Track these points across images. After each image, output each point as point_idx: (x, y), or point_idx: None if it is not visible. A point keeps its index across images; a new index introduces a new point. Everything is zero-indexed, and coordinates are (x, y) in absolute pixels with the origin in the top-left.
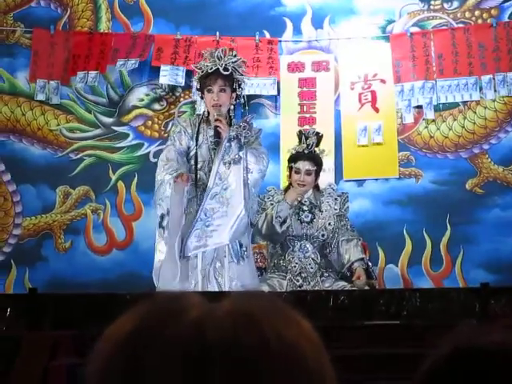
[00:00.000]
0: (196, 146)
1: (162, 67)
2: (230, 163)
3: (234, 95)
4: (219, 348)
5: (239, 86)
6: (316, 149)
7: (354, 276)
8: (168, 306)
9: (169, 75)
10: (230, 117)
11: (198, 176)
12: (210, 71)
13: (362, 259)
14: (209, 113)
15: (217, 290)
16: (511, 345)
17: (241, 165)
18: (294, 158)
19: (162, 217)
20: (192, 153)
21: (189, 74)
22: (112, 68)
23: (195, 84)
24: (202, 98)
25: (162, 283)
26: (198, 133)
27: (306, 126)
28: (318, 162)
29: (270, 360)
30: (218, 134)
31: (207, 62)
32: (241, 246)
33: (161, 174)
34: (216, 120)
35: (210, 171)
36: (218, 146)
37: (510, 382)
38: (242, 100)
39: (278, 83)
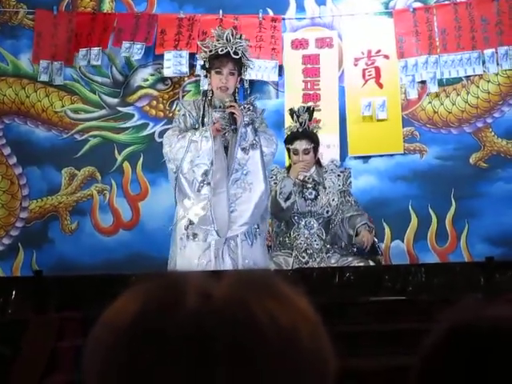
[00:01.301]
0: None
1: (166, 55)
2: (247, 149)
3: (239, 79)
4: (217, 337)
5: (245, 70)
6: (309, 124)
7: (359, 238)
8: (167, 293)
9: (172, 66)
10: (236, 99)
11: None
12: (220, 53)
13: (366, 224)
14: (212, 93)
15: (231, 268)
16: (510, 319)
17: (258, 149)
18: (290, 139)
19: (206, 173)
20: None
21: (192, 56)
22: (117, 49)
23: (200, 62)
24: (206, 76)
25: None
26: (203, 116)
27: (311, 103)
28: (314, 139)
29: (265, 345)
30: (233, 120)
31: (216, 42)
32: (257, 226)
33: (183, 140)
34: (230, 106)
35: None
36: (234, 132)
37: (508, 357)
38: (246, 84)
39: (280, 67)
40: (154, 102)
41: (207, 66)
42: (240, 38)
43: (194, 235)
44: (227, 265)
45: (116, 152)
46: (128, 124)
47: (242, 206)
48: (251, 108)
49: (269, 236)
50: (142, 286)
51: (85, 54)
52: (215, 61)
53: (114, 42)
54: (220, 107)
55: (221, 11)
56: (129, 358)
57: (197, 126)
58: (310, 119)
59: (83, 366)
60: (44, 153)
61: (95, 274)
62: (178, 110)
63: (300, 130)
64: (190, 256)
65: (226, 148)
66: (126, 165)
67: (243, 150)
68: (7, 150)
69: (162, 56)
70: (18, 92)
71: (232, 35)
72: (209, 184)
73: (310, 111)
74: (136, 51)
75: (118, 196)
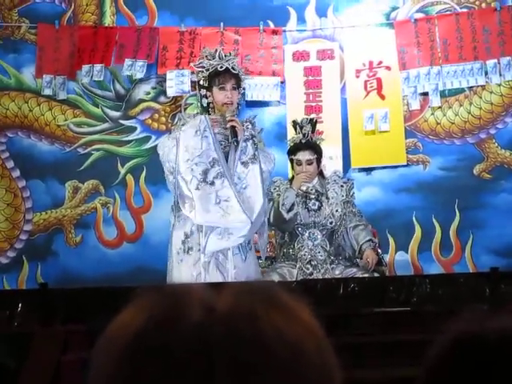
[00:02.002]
0: None
1: (168, 75)
2: (247, 163)
3: (239, 94)
4: (220, 350)
5: (242, 84)
6: (312, 136)
7: (363, 258)
8: (170, 306)
9: (175, 85)
10: (237, 115)
11: None
12: (220, 69)
13: (370, 240)
14: (214, 110)
15: (220, 281)
16: None
17: (257, 164)
18: (293, 150)
19: (205, 172)
20: None
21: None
22: (119, 65)
23: (201, 81)
24: (204, 96)
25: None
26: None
27: (313, 115)
28: (317, 150)
29: (272, 361)
30: (234, 134)
31: (212, 61)
32: (248, 242)
33: (172, 139)
34: (231, 120)
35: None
36: (235, 145)
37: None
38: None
39: (282, 83)
40: (156, 115)
41: (207, 85)
42: (230, 54)
43: (190, 249)
44: (215, 278)
45: (119, 165)
46: (130, 137)
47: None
48: (250, 126)
49: (272, 247)
50: (145, 299)
51: (88, 71)
52: (216, 78)
53: (116, 58)
54: (220, 123)
55: (222, 24)
56: (133, 371)
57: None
58: (313, 131)
59: (88, 380)
60: (47, 166)
61: (100, 287)
62: (177, 121)
63: (303, 141)
64: (186, 270)
65: (225, 160)
66: (129, 178)
67: (243, 163)
68: (10, 164)
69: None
70: (20, 106)
71: (222, 53)
72: (209, 183)
73: (312, 123)
74: (138, 69)
75: (121, 209)
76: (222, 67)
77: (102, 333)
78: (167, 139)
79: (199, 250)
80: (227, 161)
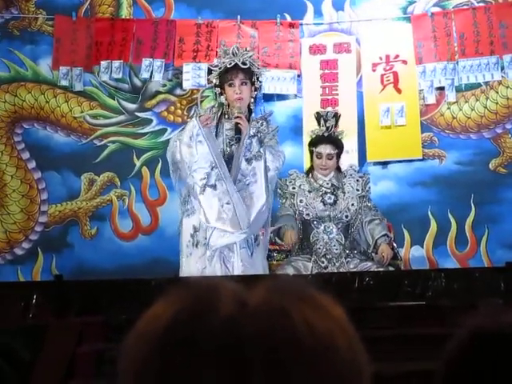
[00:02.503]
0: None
1: (185, 67)
2: (251, 159)
3: (253, 88)
4: (253, 345)
5: (257, 79)
6: (335, 130)
7: (378, 252)
8: (201, 300)
9: (191, 78)
10: (251, 110)
11: None
12: (229, 66)
13: (386, 235)
14: (229, 105)
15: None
16: None
17: (261, 161)
18: (314, 142)
19: (207, 176)
20: None
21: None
22: (137, 66)
23: (213, 80)
24: (221, 94)
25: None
26: (217, 124)
27: (329, 108)
28: (338, 145)
29: (302, 354)
30: (238, 131)
31: (223, 59)
32: (256, 238)
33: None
34: (237, 117)
35: (228, 165)
36: (239, 142)
37: None
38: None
39: (299, 76)
40: (172, 108)
41: (218, 83)
42: (246, 50)
43: (198, 242)
44: (220, 273)
45: (135, 157)
46: (146, 129)
47: None
48: (264, 124)
49: None
50: (175, 293)
51: (106, 67)
52: (226, 74)
53: (134, 57)
54: (230, 119)
55: (239, 17)
56: (163, 364)
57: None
58: (335, 125)
59: (119, 373)
60: (63, 158)
61: (115, 279)
62: (193, 114)
63: (325, 134)
64: (194, 263)
65: (230, 158)
66: (145, 170)
67: (247, 160)
68: (26, 155)
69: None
70: (37, 97)
71: (237, 49)
72: (211, 186)
73: (337, 117)
74: (156, 69)
75: (136, 201)
76: (231, 64)
77: (132, 326)
78: (172, 141)
79: (205, 244)
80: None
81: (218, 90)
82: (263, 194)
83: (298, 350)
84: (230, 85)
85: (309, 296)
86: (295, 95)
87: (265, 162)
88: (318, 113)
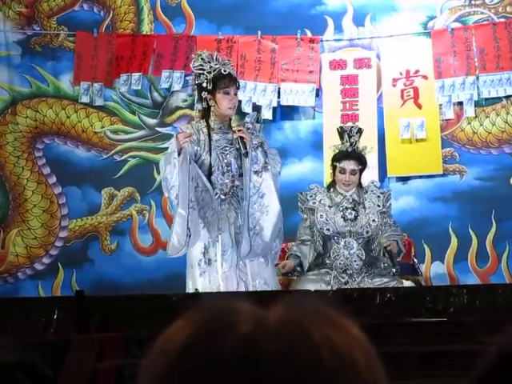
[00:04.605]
0: (210, 152)
1: None
2: (260, 171)
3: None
4: (272, 363)
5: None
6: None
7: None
8: (218, 318)
9: None
10: (230, 119)
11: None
12: (224, 73)
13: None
14: (214, 114)
15: (243, 289)
16: None
17: (269, 171)
18: (338, 157)
19: (178, 197)
20: (203, 158)
21: None
22: (157, 78)
23: (203, 84)
24: (205, 99)
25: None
26: (210, 139)
27: (349, 123)
28: (362, 161)
29: (323, 374)
30: (244, 145)
31: (212, 63)
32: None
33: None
34: (239, 131)
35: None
36: (247, 156)
37: None
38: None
39: (318, 90)
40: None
41: (210, 87)
42: (228, 60)
43: (210, 260)
44: (236, 288)
45: (155, 172)
46: (167, 144)
47: (262, 229)
48: (250, 126)
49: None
50: (194, 311)
51: (126, 79)
52: (221, 81)
53: (154, 70)
54: (220, 128)
55: (259, 32)
56: (181, 381)
57: (197, 148)
58: (358, 140)
59: None
60: (84, 173)
61: (135, 294)
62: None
63: (349, 149)
64: (210, 280)
65: (228, 166)
66: None
67: (256, 173)
68: (47, 170)
69: None
70: (58, 113)
71: (219, 57)
72: (196, 210)
73: (360, 132)
74: (176, 80)
75: (157, 216)
76: (225, 71)
77: (153, 341)
78: (163, 162)
79: (216, 260)
80: (239, 167)
81: (205, 94)
82: (276, 203)
83: (320, 370)
84: (226, 93)
85: (327, 314)
86: (315, 110)
87: (271, 171)
88: (341, 127)
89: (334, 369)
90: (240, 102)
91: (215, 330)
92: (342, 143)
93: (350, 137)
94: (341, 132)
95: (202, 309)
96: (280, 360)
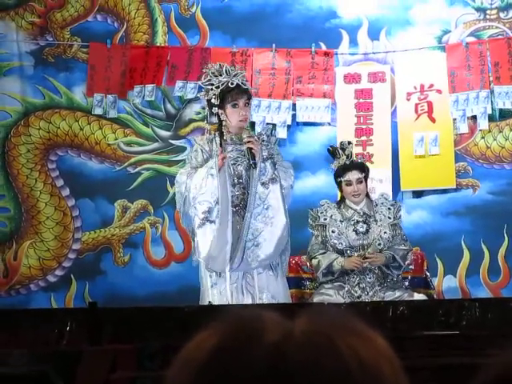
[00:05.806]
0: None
1: None
2: (267, 183)
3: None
4: (300, 373)
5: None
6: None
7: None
8: (245, 328)
9: None
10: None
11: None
12: (231, 86)
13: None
14: (226, 128)
15: (250, 302)
16: None
17: (277, 183)
18: (340, 172)
19: (209, 211)
20: None
21: None
22: (171, 88)
23: (212, 99)
24: (216, 114)
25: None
26: (222, 151)
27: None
28: (364, 169)
29: (349, 383)
30: (252, 156)
31: (220, 77)
32: (278, 262)
33: (192, 177)
34: (248, 142)
35: (246, 190)
36: (255, 167)
37: None
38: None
39: (333, 105)
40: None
41: (218, 103)
42: (236, 68)
43: (219, 272)
44: (243, 300)
45: (168, 185)
46: (180, 157)
47: (264, 240)
48: (265, 138)
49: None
50: (220, 321)
51: (139, 91)
52: (229, 95)
53: (168, 80)
54: (232, 139)
55: (274, 45)
56: None
57: (209, 158)
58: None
59: None
60: (97, 185)
61: (148, 307)
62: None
63: (347, 162)
64: (220, 292)
65: (239, 178)
66: None
67: (263, 184)
68: (60, 182)
69: None
70: (71, 125)
71: (230, 68)
72: (211, 222)
73: (350, 143)
74: (189, 90)
75: (170, 229)
76: (232, 84)
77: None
78: (180, 175)
79: (225, 272)
80: (249, 178)
81: (215, 109)
82: (283, 216)
83: (347, 382)
84: (234, 105)
85: (352, 325)
86: (329, 124)
87: (280, 183)
88: (331, 146)
89: (360, 380)
90: (253, 123)
91: (241, 341)
92: (339, 159)
93: (343, 150)
94: (332, 151)
95: (227, 319)
96: (308, 372)
